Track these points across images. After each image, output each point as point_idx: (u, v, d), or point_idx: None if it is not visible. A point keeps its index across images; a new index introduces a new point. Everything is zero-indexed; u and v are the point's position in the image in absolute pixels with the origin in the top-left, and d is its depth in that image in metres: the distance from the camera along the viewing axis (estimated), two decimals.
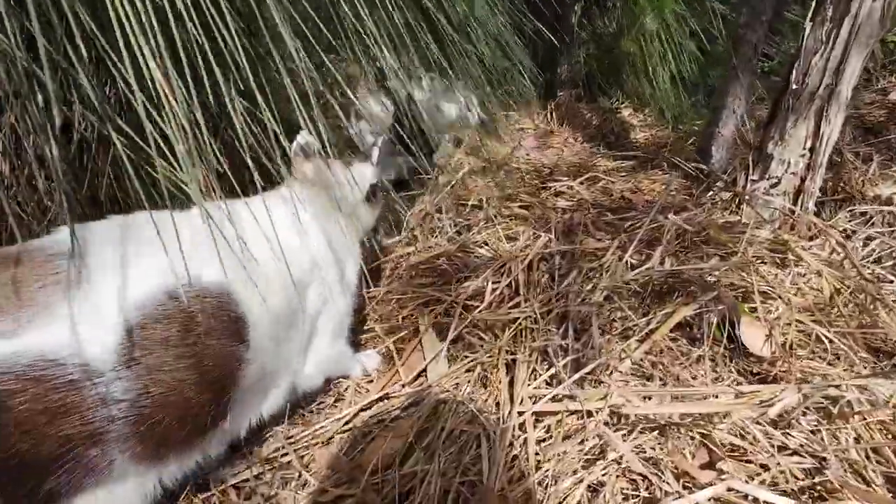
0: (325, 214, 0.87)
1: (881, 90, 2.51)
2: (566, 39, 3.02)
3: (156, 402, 0.59)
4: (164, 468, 0.65)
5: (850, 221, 1.42)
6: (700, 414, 0.83)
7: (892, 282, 1.19)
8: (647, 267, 1.05)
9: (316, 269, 0.82)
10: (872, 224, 1.43)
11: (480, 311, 1.02)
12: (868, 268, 1.22)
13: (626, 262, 1.11)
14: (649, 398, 0.85)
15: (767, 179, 1.29)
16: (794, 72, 1.20)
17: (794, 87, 1.20)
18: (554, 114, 2.75)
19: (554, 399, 0.82)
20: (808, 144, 1.23)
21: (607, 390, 0.80)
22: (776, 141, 1.26)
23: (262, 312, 0.70)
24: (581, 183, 1.68)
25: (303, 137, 0.91)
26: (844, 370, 0.92)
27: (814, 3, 1.16)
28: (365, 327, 1.13)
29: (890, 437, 0.79)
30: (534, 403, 0.82)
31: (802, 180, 1.26)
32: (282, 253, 0.72)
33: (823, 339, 0.94)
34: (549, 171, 1.75)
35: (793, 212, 1.24)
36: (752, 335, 0.93)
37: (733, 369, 0.95)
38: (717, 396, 0.88)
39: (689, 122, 2.44)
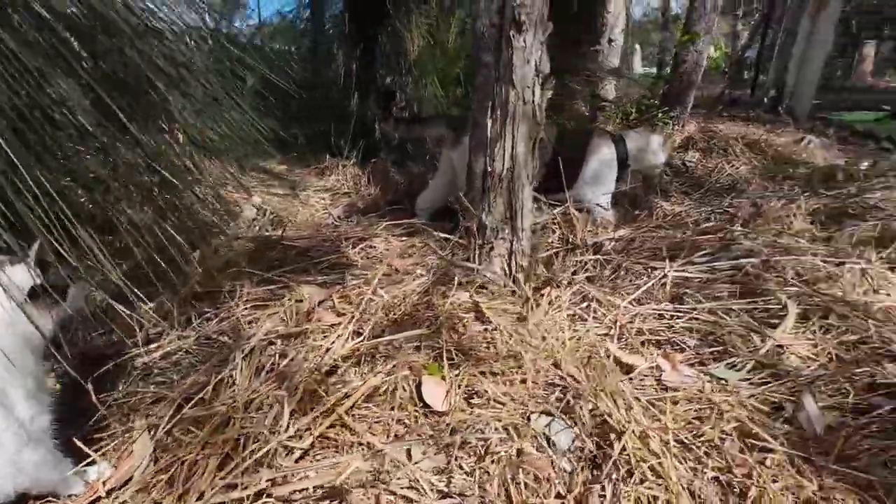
0: None
1: None
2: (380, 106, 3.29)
3: None
4: None
5: (572, 272, 1.71)
6: (379, 471, 0.94)
7: (584, 321, 1.46)
8: (359, 340, 1.18)
9: None
10: (587, 270, 1.74)
11: (191, 408, 1.06)
12: (573, 311, 1.48)
13: (350, 335, 1.23)
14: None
15: (487, 244, 1.52)
16: (486, 157, 1.46)
17: (489, 169, 1.46)
18: (371, 177, 2.96)
19: (229, 487, 0.88)
20: (508, 214, 1.48)
21: (261, 472, 0.88)
22: (486, 212, 1.50)
23: None
24: (360, 251, 1.83)
25: None
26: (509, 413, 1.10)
27: (490, 104, 1.43)
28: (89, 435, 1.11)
29: (518, 468, 0.97)
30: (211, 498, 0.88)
31: (511, 243, 1.51)
32: None
33: (490, 389, 1.12)
34: (331, 241, 1.88)
35: (504, 276, 1.48)
36: (433, 393, 1.09)
37: (426, 425, 1.09)
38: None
39: None
